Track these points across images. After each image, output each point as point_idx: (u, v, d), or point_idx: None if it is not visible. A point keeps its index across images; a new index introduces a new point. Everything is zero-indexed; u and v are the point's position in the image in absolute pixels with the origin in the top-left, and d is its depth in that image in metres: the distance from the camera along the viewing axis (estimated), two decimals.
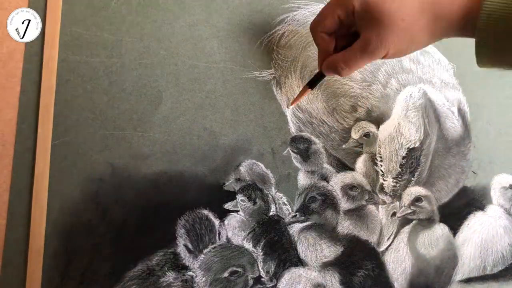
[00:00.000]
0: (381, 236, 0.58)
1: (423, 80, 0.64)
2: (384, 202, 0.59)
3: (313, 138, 0.58)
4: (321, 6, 0.62)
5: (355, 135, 0.60)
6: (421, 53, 0.65)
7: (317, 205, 0.56)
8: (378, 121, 0.61)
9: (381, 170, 0.59)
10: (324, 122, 0.59)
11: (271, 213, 0.54)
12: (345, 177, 0.58)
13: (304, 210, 0.55)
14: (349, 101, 0.61)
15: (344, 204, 0.57)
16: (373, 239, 0.57)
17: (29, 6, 0.53)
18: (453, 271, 0.59)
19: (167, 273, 0.49)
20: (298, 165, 0.57)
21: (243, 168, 0.55)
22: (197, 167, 0.53)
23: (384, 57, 0.46)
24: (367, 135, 0.60)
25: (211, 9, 0.59)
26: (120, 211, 0.50)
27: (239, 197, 0.53)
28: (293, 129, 0.58)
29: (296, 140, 0.58)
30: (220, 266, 0.50)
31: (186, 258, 0.50)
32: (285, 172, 0.56)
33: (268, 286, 0.51)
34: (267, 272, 0.52)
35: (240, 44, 0.58)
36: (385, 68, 0.63)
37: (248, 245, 0.52)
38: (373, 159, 0.60)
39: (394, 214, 0.59)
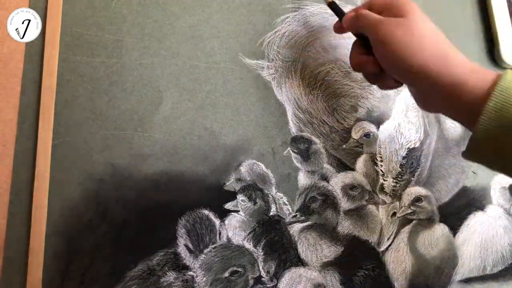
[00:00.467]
0: (381, 236, 0.58)
1: None
2: (384, 202, 0.59)
3: (313, 138, 0.58)
4: (322, 6, 0.62)
5: (355, 135, 0.60)
6: None
7: (317, 205, 0.56)
8: (378, 121, 0.61)
9: (381, 170, 0.59)
10: (324, 122, 0.59)
11: (271, 213, 0.54)
12: (346, 177, 0.58)
13: (305, 210, 0.55)
14: (349, 101, 0.61)
15: (344, 204, 0.57)
16: (373, 239, 0.57)
17: (30, 6, 0.53)
18: (453, 271, 0.59)
19: (167, 273, 0.49)
20: (298, 165, 0.57)
21: (243, 168, 0.55)
22: (198, 167, 0.53)
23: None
24: (367, 135, 0.60)
25: (211, 9, 0.59)
26: (121, 211, 0.50)
27: (240, 197, 0.53)
28: (293, 129, 0.58)
29: (296, 140, 0.58)
30: (220, 266, 0.50)
31: (186, 258, 0.50)
32: (285, 172, 0.56)
33: (268, 286, 0.51)
34: (268, 272, 0.52)
35: (240, 45, 0.58)
36: None
37: (249, 245, 0.52)
38: (373, 159, 0.60)
39: (394, 214, 0.59)
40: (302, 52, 0.61)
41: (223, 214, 0.53)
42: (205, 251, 0.50)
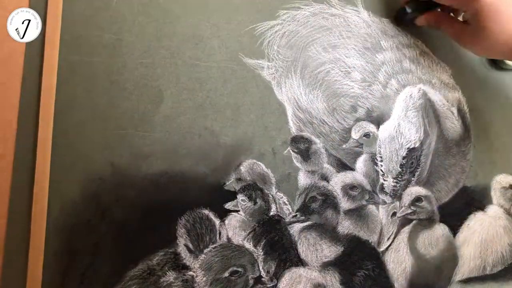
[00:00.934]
0: (381, 236, 0.58)
1: (423, 81, 0.64)
2: (384, 202, 0.59)
3: (313, 138, 0.58)
4: (322, 6, 0.63)
5: (355, 135, 0.60)
6: (420, 54, 0.65)
7: (317, 205, 0.56)
8: (378, 121, 0.61)
9: (381, 170, 0.59)
10: (324, 122, 0.59)
11: (271, 213, 0.54)
12: (346, 177, 0.58)
13: (305, 210, 0.55)
14: (349, 101, 0.61)
15: (345, 204, 0.57)
16: (373, 239, 0.57)
17: (30, 6, 0.53)
18: (453, 271, 0.59)
19: (167, 272, 0.49)
20: (298, 165, 0.57)
21: (243, 168, 0.55)
22: (198, 167, 0.53)
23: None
24: (367, 135, 0.60)
25: (211, 9, 0.59)
26: (121, 210, 0.50)
27: (240, 197, 0.53)
28: (293, 129, 0.58)
29: (296, 140, 0.58)
30: (220, 266, 0.50)
31: (186, 257, 0.50)
32: (285, 172, 0.56)
33: (268, 286, 0.51)
34: (268, 272, 0.52)
35: (240, 44, 0.59)
36: (385, 68, 0.63)
37: (249, 245, 0.52)
38: (373, 159, 0.60)
39: (394, 214, 0.59)
40: (302, 52, 0.61)
41: (223, 213, 0.53)
42: (205, 251, 0.50)
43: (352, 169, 0.59)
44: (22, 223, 0.48)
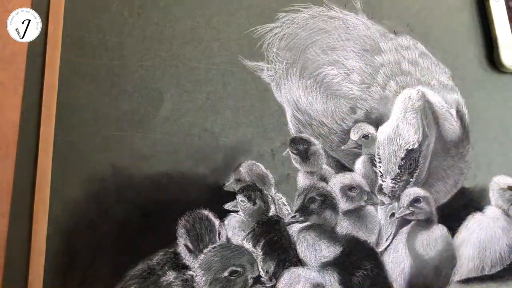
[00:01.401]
0: (380, 236, 0.58)
1: (422, 82, 0.64)
2: (383, 203, 0.59)
3: (312, 139, 0.59)
4: (321, 8, 0.63)
5: (354, 136, 0.60)
6: (419, 56, 0.66)
7: (316, 206, 0.56)
8: (377, 123, 0.61)
9: (380, 171, 0.59)
10: (323, 123, 0.60)
11: (270, 214, 0.55)
12: (344, 178, 0.58)
13: (304, 211, 0.55)
14: (348, 103, 0.61)
15: (343, 205, 0.57)
16: (372, 239, 0.57)
17: (32, 8, 0.53)
18: (451, 271, 0.59)
19: (167, 272, 0.49)
20: (297, 166, 0.57)
21: (243, 169, 0.55)
22: (198, 168, 0.54)
23: None
24: (366, 136, 0.60)
25: (211, 12, 0.59)
26: (122, 211, 0.51)
27: (239, 197, 0.54)
28: (292, 131, 0.59)
29: (295, 141, 0.58)
30: (220, 266, 0.50)
31: (186, 257, 0.50)
32: (284, 173, 0.57)
33: (267, 285, 0.52)
34: (267, 271, 0.52)
35: (240, 47, 0.59)
36: (384, 70, 0.63)
37: (248, 245, 0.53)
38: (372, 160, 0.60)
39: (393, 214, 0.59)
40: (302, 54, 0.61)
41: (222, 214, 0.53)
42: (204, 251, 0.51)
43: (351, 170, 0.60)
44: (24, 223, 0.49)
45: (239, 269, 0.50)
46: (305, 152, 0.58)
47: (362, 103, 0.61)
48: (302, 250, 0.54)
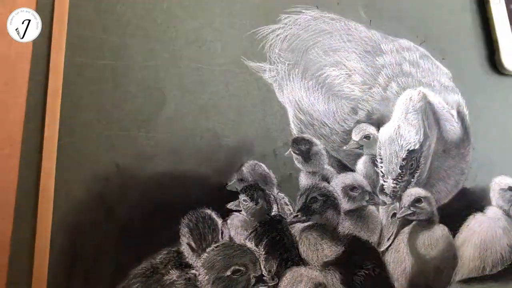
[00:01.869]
0: (382, 236, 0.58)
1: (423, 83, 0.65)
2: (384, 203, 0.59)
3: (314, 139, 0.59)
4: (323, 10, 0.63)
5: (355, 137, 0.60)
6: (420, 57, 0.66)
7: (318, 206, 0.56)
8: (378, 123, 0.62)
9: (381, 172, 0.60)
10: (325, 124, 0.60)
11: (273, 213, 0.55)
12: (346, 178, 0.59)
13: (306, 210, 0.56)
14: (349, 104, 0.61)
15: (345, 205, 0.58)
16: (373, 239, 0.58)
17: (36, 10, 0.54)
18: (452, 271, 0.59)
19: (170, 271, 0.50)
20: (299, 166, 0.58)
21: (245, 169, 0.55)
22: (200, 168, 0.54)
23: None
24: (367, 137, 0.60)
25: (214, 13, 0.60)
26: (125, 210, 0.51)
27: (242, 197, 0.54)
28: (294, 131, 0.59)
29: (297, 142, 0.58)
30: (222, 265, 0.50)
31: (189, 256, 0.51)
32: (286, 173, 0.57)
33: (270, 284, 0.52)
34: (269, 271, 0.52)
35: (242, 48, 0.59)
36: (385, 71, 0.64)
37: (251, 244, 0.53)
38: (373, 161, 0.60)
39: (394, 215, 0.59)
40: (304, 55, 0.61)
41: (225, 213, 0.53)
42: (207, 249, 0.51)
43: (353, 171, 0.60)
44: (28, 222, 0.49)
45: (241, 268, 0.51)
46: (307, 153, 0.58)
47: (363, 104, 0.62)
48: (304, 249, 0.55)
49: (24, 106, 0.51)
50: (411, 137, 0.61)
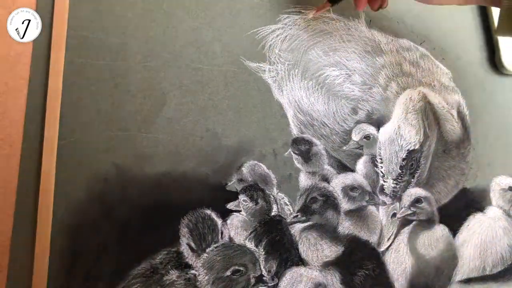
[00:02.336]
0: (382, 236, 0.58)
1: (423, 83, 0.65)
2: (384, 203, 0.59)
3: (314, 140, 0.59)
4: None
5: (355, 137, 0.60)
6: (420, 57, 0.66)
7: (318, 206, 0.56)
8: (378, 124, 0.62)
9: (381, 172, 0.60)
10: (325, 124, 0.60)
11: (272, 213, 0.55)
12: (346, 178, 0.59)
13: (306, 211, 0.56)
14: (349, 104, 0.61)
15: (345, 205, 0.58)
16: (373, 239, 0.58)
17: (37, 10, 0.54)
18: (453, 271, 0.59)
19: (170, 271, 0.50)
20: (299, 166, 0.58)
21: (245, 169, 0.56)
22: (200, 168, 0.54)
23: None
24: (367, 137, 0.60)
25: (213, 13, 0.60)
26: (125, 210, 0.51)
27: (241, 197, 0.54)
28: (294, 131, 0.59)
29: (297, 142, 0.58)
30: (222, 265, 0.50)
31: (189, 256, 0.51)
32: (286, 173, 0.57)
33: (269, 285, 0.52)
34: (269, 271, 0.52)
35: (242, 48, 0.59)
36: (385, 71, 0.64)
37: (250, 245, 0.53)
38: (373, 161, 0.60)
39: (394, 215, 0.59)
40: (303, 55, 0.62)
41: (225, 214, 0.54)
42: (207, 250, 0.51)
43: (353, 171, 0.60)
44: (28, 223, 0.49)
45: (241, 268, 0.51)
46: (307, 153, 0.58)
47: (363, 104, 0.62)
48: (304, 249, 0.55)
49: (24, 106, 0.51)
50: (411, 137, 0.61)
